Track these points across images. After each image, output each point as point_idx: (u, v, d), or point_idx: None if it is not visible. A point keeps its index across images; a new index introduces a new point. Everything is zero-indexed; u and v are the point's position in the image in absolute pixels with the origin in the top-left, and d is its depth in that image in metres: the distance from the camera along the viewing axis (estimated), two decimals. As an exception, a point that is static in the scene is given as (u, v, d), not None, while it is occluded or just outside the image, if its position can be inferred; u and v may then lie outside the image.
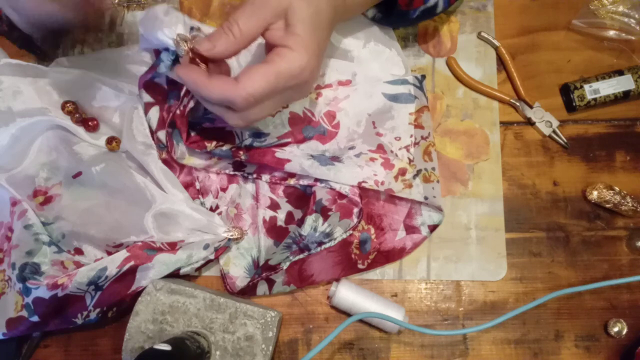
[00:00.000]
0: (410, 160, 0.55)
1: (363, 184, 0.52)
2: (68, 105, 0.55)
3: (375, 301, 0.52)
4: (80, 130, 0.56)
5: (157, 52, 0.50)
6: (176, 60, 0.48)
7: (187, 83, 0.42)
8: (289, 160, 0.51)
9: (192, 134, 0.52)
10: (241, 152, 0.52)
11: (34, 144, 0.56)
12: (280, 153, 0.52)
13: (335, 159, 0.53)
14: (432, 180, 0.55)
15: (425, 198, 0.53)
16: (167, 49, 0.48)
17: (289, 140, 0.53)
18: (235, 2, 0.61)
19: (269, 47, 0.43)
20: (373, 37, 0.59)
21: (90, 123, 0.56)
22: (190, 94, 0.49)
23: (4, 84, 0.55)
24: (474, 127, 0.59)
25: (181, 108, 0.50)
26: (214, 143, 0.52)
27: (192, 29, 0.45)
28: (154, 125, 0.52)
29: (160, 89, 0.51)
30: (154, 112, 0.52)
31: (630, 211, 0.56)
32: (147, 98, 0.52)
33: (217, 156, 0.53)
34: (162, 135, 0.52)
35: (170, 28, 0.45)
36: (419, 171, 0.55)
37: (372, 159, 0.54)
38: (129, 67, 0.56)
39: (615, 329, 0.54)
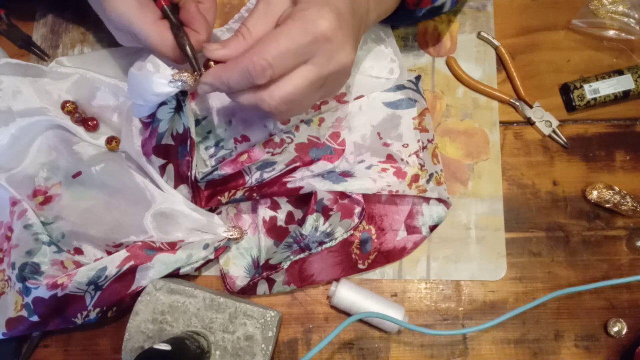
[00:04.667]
0: (422, 166, 0.54)
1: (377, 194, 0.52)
2: (68, 105, 0.55)
3: (375, 301, 0.52)
4: (80, 130, 0.56)
5: (150, 117, 0.50)
6: (179, 108, 0.48)
7: (213, 84, 0.41)
8: (302, 187, 0.52)
9: (202, 187, 0.53)
10: (255, 194, 0.52)
11: (34, 144, 0.56)
12: (292, 183, 0.52)
13: (347, 174, 0.53)
14: (442, 182, 0.55)
15: (439, 200, 0.54)
16: (164, 103, 0.47)
17: (298, 164, 0.53)
18: (235, 2, 0.61)
19: None
20: (370, 37, 0.58)
21: (90, 123, 0.56)
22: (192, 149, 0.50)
23: (4, 84, 0.54)
24: (474, 127, 0.59)
25: (191, 171, 0.50)
26: (226, 194, 0.53)
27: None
28: (172, 183, 0.52)
29: (170, 148, 0.51)
30: (170, 171, 0.52)
31: (630, 211, 0.56)
32: (160, 162, 0.52)
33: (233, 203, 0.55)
34: (184, 190, 0.52)
35: (159, 73, 0.44)
36: (431, 175, 0.54)
37: (384, 170, 0.54)
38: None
39: (615, 329, 0.54)
